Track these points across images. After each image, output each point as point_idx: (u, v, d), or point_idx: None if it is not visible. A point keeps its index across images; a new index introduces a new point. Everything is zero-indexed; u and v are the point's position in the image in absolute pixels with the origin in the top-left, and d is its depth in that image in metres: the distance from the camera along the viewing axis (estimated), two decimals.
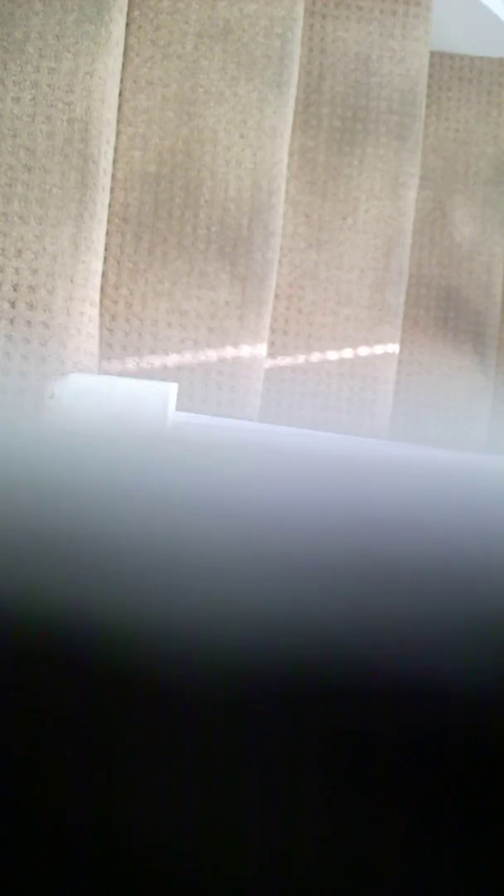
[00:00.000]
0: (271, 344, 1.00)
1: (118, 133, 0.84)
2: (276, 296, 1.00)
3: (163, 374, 0.83)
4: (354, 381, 1.00)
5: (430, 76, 1.21)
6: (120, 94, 0.85)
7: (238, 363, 0.83)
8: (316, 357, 1.00)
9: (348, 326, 1.00)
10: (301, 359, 1.00)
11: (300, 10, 0.87)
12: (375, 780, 0.38)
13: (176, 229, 0.83)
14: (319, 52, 1.02)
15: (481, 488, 0.42)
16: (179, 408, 0.83)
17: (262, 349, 0.84)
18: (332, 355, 1.00)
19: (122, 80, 0.85)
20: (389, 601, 0.39)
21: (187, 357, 0.83)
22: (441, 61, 1.22)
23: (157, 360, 0.83)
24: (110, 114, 0.71)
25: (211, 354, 0.83)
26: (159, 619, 0.38)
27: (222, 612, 0.39)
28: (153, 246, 0.83)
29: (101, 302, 0.83)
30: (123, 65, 0.85)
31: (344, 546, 0.40)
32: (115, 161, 0.84)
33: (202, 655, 0.38)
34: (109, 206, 0.84)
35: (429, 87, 1.21)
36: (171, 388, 0.64)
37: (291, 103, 0.87)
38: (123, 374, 0.82)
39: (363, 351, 1.00)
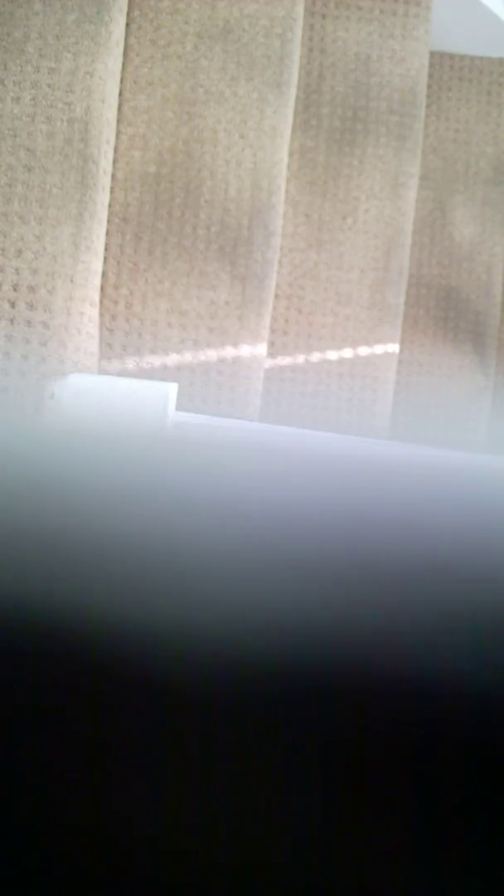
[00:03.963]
0: (271, 344, 1.00)
1: (118, 133, 0.84)
2: (276, 296, 1.00)
3: (163, 374, 0.83)
4: (354, 381, 1.00)
5: (430, 76, 1.21)
6: (120, 94, 0.85)
7: (238, 363, 0.83)
8: (316, 357, 1.00)
9: (348, 326, 1.00)
10: (301, 359, 1.00)
11: (300, 10, 0.87)
12: (376, 781, 0.38)
13: (176, 229, 0.83)
14: (319, 52, 1.02)
15: (481, 488, 0.42)
16: (179, 408, 0.83)
17: (262, 349, 0.84)
18: (332, 355, 1.00)
19: (122, 80, 0.85)
20: (390, 601, 0.39)
21: (187, 357, 0.83)
22: (441, 61, 1.22)
23: (157, 360, 0.83)
24: (110, 114, 0.71)
25: (211, 354, 0.83)
26: (159, 619, 0.38)
27: (222, 612, 0.39)
28: (153, 246, 0.83)
29: (101, 302, 0.83)
30: (123, 65, 0.85)
31: (344, 546, 0.40)
32: (115, 161, 0.84)
33: (202, 655, 0.38)
34: (109, 206, 0.84)
35: (429, 87, 1.21)
36: (171, 388, 0.64)
37: (291, 103, 0.87)
38: (123, 374, 0.82)
39: (363, 351, 1.00)
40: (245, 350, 0.83)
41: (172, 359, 0.83)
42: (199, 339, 0.83)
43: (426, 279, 1.18)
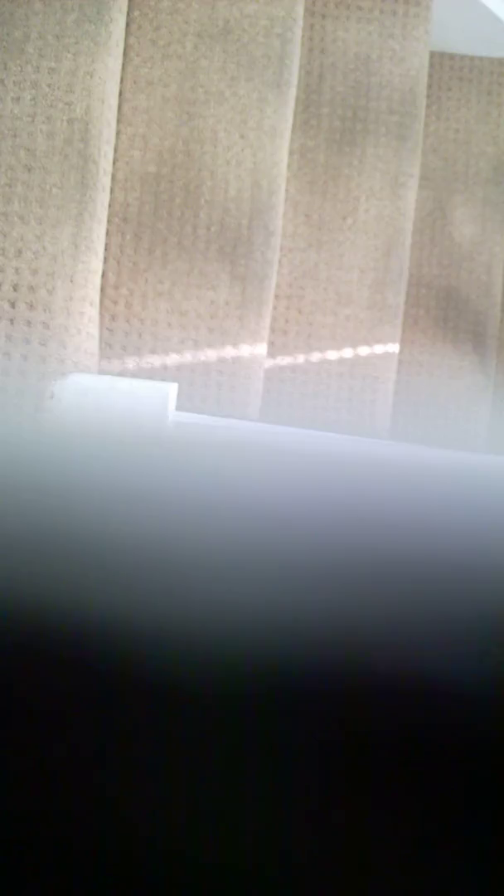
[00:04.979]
0: (271, 344, 1.00)
1: (118, 133, 0.84)
2: (276, 296, 1.00)
3: (163, 374, 0.83)
4: (354, 381, 1.00)
5: (430, 76, 1.21)
6: (120, 94, 0.85)
7: (238, 363, 0.83)
8: (316, 357, 1.00)
9: (348, 326, 1.00)
10: (301, 359, 1.00)
11: (300, 10, 0.87)
12: (375, 779, 0.38)
13: (176, 229, 0.83)
14: (319, 52, 1.02)
15: (481, 488, 0.42)
16: (179, 408, 0.83)
17: (262, 349, 0.84)
18: (332, 355, 1.00)
19: (122, 80, 0.85)
20: (389, 600, 0.39)
21: (187, 357, 0.83)
22: (441, 61, 1.22)
23: (157, 360, 0.83)
24: (110, 114, 0.71)
25: (211, 354, 0.83)
26: (159, 619, 0.38)
27: (223, 611, 0.39)
28: (153, 246, 0.83)
29: (101, 302, 0.83)
30: (123, 65, 0.85)
31: (344, 545, 0.40)
32: (115, 161, 0.84)
33: (202, 655, 0.38)
34: (109, 206, 0.84)
35: (429, 87, 1.21)
36: (171, 388, 0.64)
37: (291, 103, 0.87)
38: (123, 374, 0.82)
39: (363, 351, 1.00)
40: (245, 350, 0.83)
41: (172, 359, 0.83)
42: (199, 339, 0.83)
43: (426, 279, 1.18)
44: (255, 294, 0.84)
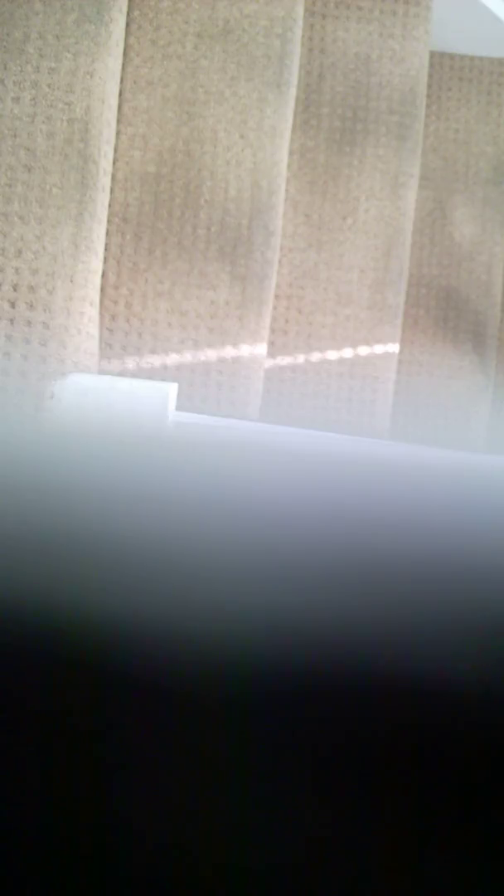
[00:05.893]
0: (271, 344, 1.00)
1: (118, 133, 0.84)
2: (276, 296, 1.00)
3: (163, 374, 0.83)
4: (354, 381, 1.00)
5: (430, 76, 1.21)
6: (120, 94, 0.85)
7: (238, 363, 0.83)
8: (316, 357, 1.00)
9: (348, 326, 1.00)
10: (301, 359, 1.00)
11: (300, 10, 0.87)
12: (375, 780, 0.38)
13: (176, 229, 0.83)
14: (319, 52, 1.02)
15: (481, 488, 0.42)
16: (179, 408, 0.83)
17: (262, 349, 0.84)
18: (332, 355, 1.00)
19: (122, 80, 0.85)
20: (389, 601, 0.39)
21: (187, 357, 0.83)
22: (441, 61, 1.22)
23: (157, 360, 0.83)
24: (110, 114, 0.71)
25: (211, 354, 0.83)
26: (159, 619, 0.38)
27: (223, 611, 0.39)
28: (153, 246, 0.83)
29: (101, 302, 0.83)
30: (123, 65, 0.85)
31: (344, 545, 0.40)
32: (115, 161, 0.84)
33: (202, 655, 0.38)
34: (109, 206, 0.84)
35: (429, 87, 1.21)
36: (171, 388, 0.64)
37: (291, 103, 0.87)
38: (123, 374, 0.82)
39: (363, 351, 1.00)
40: (245, 350, 0.83)
41: (172, 359, 0.83)
42: (199, 339, 0.83)
43: (426, 279, 1.18)
44: (255, 294, 0.84)
